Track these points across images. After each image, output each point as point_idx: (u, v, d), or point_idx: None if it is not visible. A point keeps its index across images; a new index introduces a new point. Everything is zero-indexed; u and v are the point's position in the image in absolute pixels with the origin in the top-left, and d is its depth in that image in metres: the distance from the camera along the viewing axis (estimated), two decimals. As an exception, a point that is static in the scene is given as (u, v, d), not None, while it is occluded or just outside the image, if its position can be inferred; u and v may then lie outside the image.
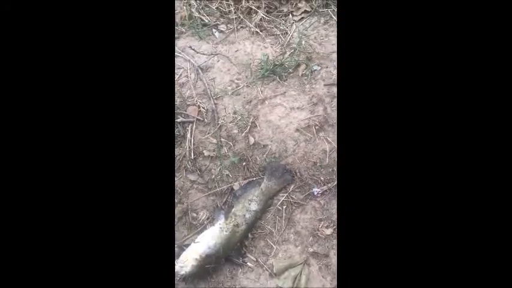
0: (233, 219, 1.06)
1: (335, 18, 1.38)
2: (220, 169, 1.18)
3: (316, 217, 1.11)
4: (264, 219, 1.12)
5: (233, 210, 1.08)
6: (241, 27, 1.41)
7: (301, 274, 1.03)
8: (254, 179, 1.16)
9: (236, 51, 1.35)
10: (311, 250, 1.07)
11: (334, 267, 1.04)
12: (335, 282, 1.02)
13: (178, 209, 1.14)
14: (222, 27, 1.41)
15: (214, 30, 1.41)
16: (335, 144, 1.18)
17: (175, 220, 1.12)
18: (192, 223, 1.12)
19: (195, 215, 1.14)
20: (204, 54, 1.35)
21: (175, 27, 1.40)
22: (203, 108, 1.26)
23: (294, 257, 1.06)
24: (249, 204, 1.09)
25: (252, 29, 1.39)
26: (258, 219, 1.10)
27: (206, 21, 1.41)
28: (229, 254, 1.04)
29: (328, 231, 1.09)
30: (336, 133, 1.19)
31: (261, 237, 1.09)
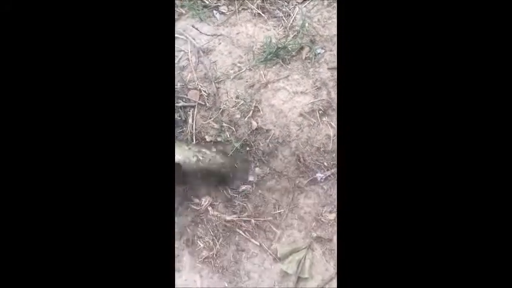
0: None
1: (339, 0, 1.35)
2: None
3: (320, 202, 1.11)
4: (267, 204, 1.11)
5: None
6: (243, 8, 1.37)
7: (305, 258, 1.03)
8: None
9: (238, 33, 1.32)
10: (314, 235, 1.07)
11: (338, 252, 1.04)
12: (339, 267, 1.02)
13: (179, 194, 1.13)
14: (223, 8, 1.37)
15: (215, 11, 1.36)
16: (339, 129, 1.17)
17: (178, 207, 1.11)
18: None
19: (197, 200, 1.13)
20: (206, 34, 1.31)
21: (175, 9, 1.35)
22: (204, 92, 1.24)
23: (298, 241, 1.06)
24: None
25: (254, 11, 1.35)
26: None
27: (207, 2, 1.37)
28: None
29: (331, 216, 1.09)
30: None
31: (265, 222, 1.09)
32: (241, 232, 1.08)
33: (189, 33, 1.32)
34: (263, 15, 1.34)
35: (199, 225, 1.10)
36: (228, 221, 1.09)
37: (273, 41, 1.27)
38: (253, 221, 1.09)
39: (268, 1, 1.37)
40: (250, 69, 1.26)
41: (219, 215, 1.11)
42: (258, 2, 1.36)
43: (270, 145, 1.17)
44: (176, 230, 1.09)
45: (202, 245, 1.07)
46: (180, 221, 1.10)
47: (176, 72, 1.26)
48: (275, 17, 1.35)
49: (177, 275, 1.04)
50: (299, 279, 1.01)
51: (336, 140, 1.16)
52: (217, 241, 1.06)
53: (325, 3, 1.36)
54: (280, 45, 1.26)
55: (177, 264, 1.05)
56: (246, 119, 1.20)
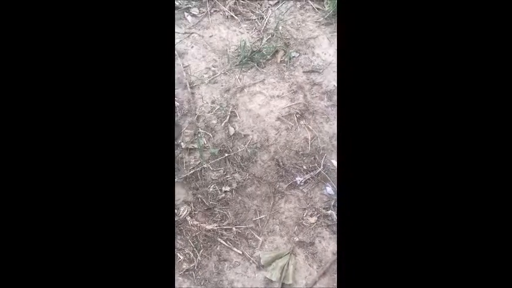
0: None
1: (311, 3, 1.35)
2: (199, 162, 1.13)
3: (300, 206, 1.10)
4: (248, 211, 1.09)
5: None
6: (215, 10, 1.34)
7: (288, 264, 1.02)
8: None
9: (211, 36, 1.29)
10: (296, 239, 1.06)
11: (320, 255, 1.05)
12: (322, 270, 1.03)
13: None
14: (194, 10, 1.33)
15: (186, 13, 1.32)
16: (316, 132, 1.17)
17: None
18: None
19: (176, 211, 1.09)
20: (178, 34, 1.26)
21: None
22: (178, 97, 1.19)
23: (280, 247, 1.05)
24: None
25: (227, 13, 1.32)
26: None
27: (177, 3, 1.32)
28: None
29: (312, 220, 1.09)
30: (316, 121, 1.18)
31: (246, 230, 1.07)
32: (222, 241, 1.05)
33: (160, 36, 1.26)
34: (236, 17, 1.32)
35: (178, 237, 1.06)
36: (209, 231, 1.06)
37: (247, 44, 1.25)
38: (234, 229, 1.07)
39: (241, 3, 1.35)
40: (225, 74, 1.23)
41: (198, 225, 1.07)
42: (230, 4, 1.34)
43: (249, 150, 1.15)
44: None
45: (182, 257, 1.03)
46: (158, 233, 1.05)
47: (147, 77, 1.21)
48: (248, 19, 1.33)
49: (157, 290, 0.99)
50: (283, 285, 1.00)
51: (313, 143, 1.16)
52: (198, 252, 1.03)
53: (298, 5, 1.37)
54: (254, 49, 1.24)
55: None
56: (222, 124, 1.17)
